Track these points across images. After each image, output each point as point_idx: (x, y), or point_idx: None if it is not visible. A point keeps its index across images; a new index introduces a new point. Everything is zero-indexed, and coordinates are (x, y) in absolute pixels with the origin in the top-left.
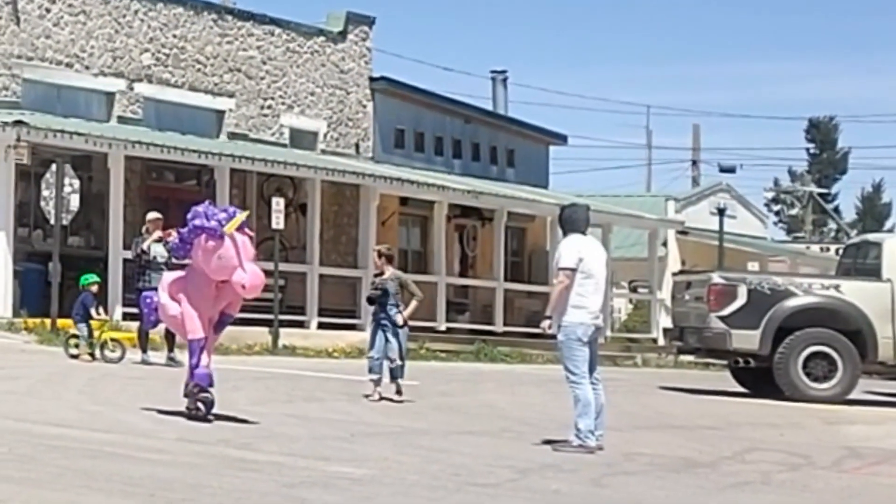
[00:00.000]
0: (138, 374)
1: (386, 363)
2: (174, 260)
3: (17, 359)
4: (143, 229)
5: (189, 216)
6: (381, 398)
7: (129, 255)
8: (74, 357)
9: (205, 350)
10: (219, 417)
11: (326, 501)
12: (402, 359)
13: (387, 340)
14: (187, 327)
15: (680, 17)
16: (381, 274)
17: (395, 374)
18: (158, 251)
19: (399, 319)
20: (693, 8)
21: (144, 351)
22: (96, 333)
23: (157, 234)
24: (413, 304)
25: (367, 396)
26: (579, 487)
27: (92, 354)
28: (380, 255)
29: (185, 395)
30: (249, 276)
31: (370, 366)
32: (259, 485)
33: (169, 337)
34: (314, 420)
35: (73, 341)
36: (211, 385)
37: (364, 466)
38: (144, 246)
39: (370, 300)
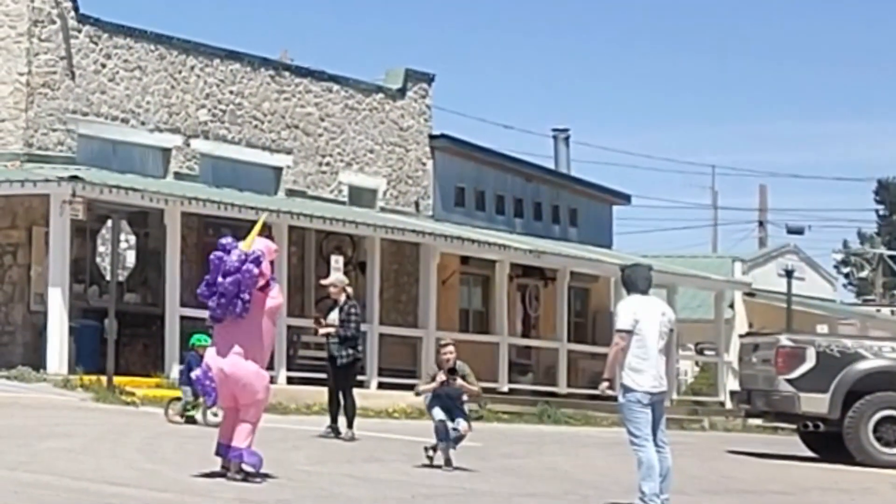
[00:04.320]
0: (195, 434)
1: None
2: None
3: (73, 416)
4: (329, 294)
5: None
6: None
7: (186, 312)
8: (171, 421)
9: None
10: (277, 477)
11: None
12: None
13: (452, 417)
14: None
15: (745, 76)
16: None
17: (456, 443)
18: (333, 317)
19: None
20: (758, 67)
21: (350, 425)
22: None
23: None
24: (473, 389)
25: (427, 451)
26: None
27: (191, 418)
28: (456, 346)
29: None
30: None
31: (440, 428)
32: None
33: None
34: (375, 481)
35: (173, 404)
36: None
37: None
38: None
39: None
